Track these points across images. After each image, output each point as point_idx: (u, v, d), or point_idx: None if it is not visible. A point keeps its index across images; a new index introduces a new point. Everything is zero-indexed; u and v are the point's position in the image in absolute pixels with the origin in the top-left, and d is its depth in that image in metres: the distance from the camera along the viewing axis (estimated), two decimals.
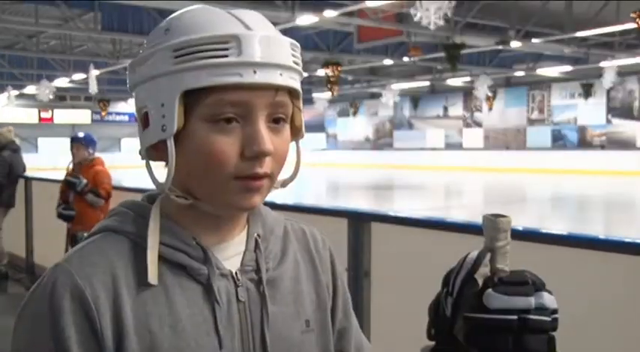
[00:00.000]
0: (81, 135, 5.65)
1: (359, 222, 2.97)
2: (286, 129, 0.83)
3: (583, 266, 2.15)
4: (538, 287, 0.73)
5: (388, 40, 17.59)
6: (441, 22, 11.89)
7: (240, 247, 0.87)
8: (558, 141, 29.05)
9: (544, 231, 2.28)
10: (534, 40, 16.97)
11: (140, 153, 0.85)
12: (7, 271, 7.33)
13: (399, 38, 17.26)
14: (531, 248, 2.20)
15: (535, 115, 29.98)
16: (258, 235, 0.89)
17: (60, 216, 5.54)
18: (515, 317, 0.70)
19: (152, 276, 0.79)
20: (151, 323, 0.78)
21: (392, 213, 3.55)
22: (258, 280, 0.86)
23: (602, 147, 27.13)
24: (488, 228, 0.75)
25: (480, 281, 0.73)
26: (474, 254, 0.75)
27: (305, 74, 0.85)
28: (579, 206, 15.24)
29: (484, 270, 0.74)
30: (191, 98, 0.77)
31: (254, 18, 0.81)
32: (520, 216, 12.61)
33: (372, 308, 2.88)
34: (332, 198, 17.27)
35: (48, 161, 19.40)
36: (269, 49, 0.78)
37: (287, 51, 0.80)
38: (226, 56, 0.76)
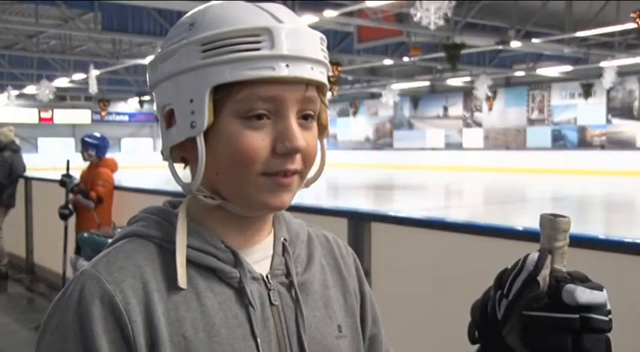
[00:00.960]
0: (86, 138, 5.64)
1: (359, 222, 2.97)
2: (315, 126, 0.81)
3: (583, 267, 2.14)
4: (600, 285, 0.71)
5: (388, 40, 17.59)
6: (441, 22, 11.89)
7: (267, 251, 0.85)
8: (558, 141, 29.06)
9: None
10: (534, 40, 16.98)
11: (162, 153, 0.81)
12: (7, 271, 7.33)
13: (399, 38, 17.26)
14: (531, 248, 2.20)
15: (535, 115, 29.99)
16: (285, 239, 0.87)
17: (60, 215, 5.57)
18: (577, 315, 0.68)
19: (181, 280, 0.76)
20: (185, 328, 0.75)
21: (392, 213, 3.55)
22: (289, 284, 0.84)
23: (602, 147, 27.13)
24: (547, 228, 0.73)
25: (541, 283, 0.71)
26: (535, 255, 0.72)
27: (330, 66, 0.85)
28: (579, 206, 15.23)
29: (545, 272, 0.72)
30: (220, 93, 0.75)
31: (282, 10, 0.79)
32: (520, 216, 12.60)
33: None
34: (332, 198, 17.28)
35: (48, 161, 19.42)
36: (300, 42, 0.76)
37: (317, 44, 0.79)
38: (259, 49, 0.74)
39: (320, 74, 0.78)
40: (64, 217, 5.53)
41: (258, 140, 0.75)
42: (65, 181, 5.45)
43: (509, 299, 0.71)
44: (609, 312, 0.70)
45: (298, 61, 0.75)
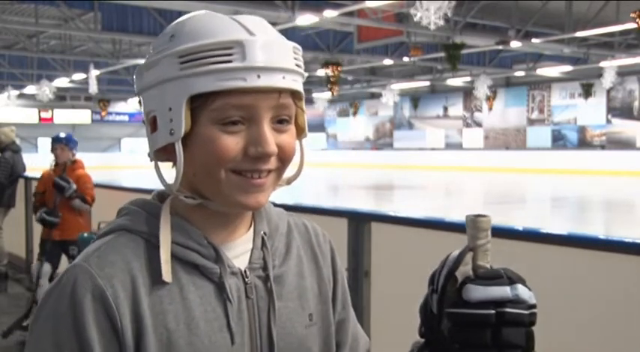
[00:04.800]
0: (63, 135, 5.36)
1: (359, 222, 2.97)
2: (291, 128, 0.85)
3: (583, 267, 2.15)
4: (514, 281, 0.75)
5: (388, 40, 17.59)
6: (441, 22, 11.90)
7: (247, 245, 0.90)
8: (558, 141, 29.05)
9: (544, 231, 2.28)
10: (534, 40, 16.98)
11: (149, 155, 0.87)
12: (7, 271, 7.32)
13: (399, 38, 17.26)
14: (531, 248, 2.20)
15: (535, 115, 29.98)
16: (265, 233, 0.91)
17: (42, 221, 5.19)
18: (492, 311, 0.72)
19: (166, 274, 0.81)
20: (167, 320, 0.80)
21: (392, 213, 3.55)
22: (266, 277, 0.89)
23: (602, 147, 27.13)
24: (470, 227, 0.78)
25: (459, 279, 0.76)
26: (456, 253, 0.78)
27: (305, 74, 0.87)
28: (579, 206, 15.24)
29: (467, 268, 0.76)
30: (198, 102, 0.80)
31: (256, 23, 0.83)
32: (520, 216, 12.60)
33: (372, 308, 2.88)
34: (332, 198, 17.28)
35: (48, 161, 19.30)
36: (271, 54, 0.80)
37: (289, 54, 0.83)
38: (230, 61, 0.79)
39: (293, 82, 0.83)
40: (52, 225, 5.15)
41: (232, 143, 0.80)
42: (64, 186, 5.06)
43: (437, 295, 0.77)
44: (532, 306, 0.75)
45: (269, 72, 0.80)
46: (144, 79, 0.85)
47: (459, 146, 32.38)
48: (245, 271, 0.87)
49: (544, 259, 2.18)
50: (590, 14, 15.50)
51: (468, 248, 0.77)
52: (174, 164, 0.85)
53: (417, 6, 11.83)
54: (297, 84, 0.84)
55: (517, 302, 0.74)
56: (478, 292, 0.73)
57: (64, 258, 5.27)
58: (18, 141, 7.55)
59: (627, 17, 14.27)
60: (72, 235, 5.11)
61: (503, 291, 0.73)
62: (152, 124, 0.84)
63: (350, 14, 14.77)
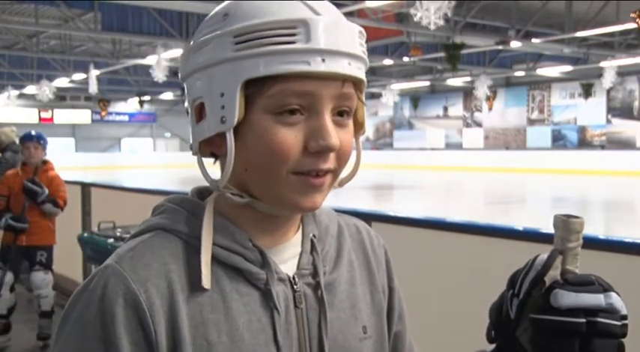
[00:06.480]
0: (34, 133, 4.99)
1: None
2: (350, 123, 0.78)
3: (583, 267, 2.14)
4: (606, 288, 0.70)
5: (388, 40, 17.59)
6: (441, 22, 11.90)
7: (295, 249, 0.82)
8: (558, 141, 29.06)
9: (544, 231, 2.28)
10: (534, 40, 16.98)
11: (191, 147, 0.78)
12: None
13: (399, 38, 17.27)
14: (531, 248, 2.20)
15: (535, 115, 29.99)
16: (314, 235, 0.84)
17: (9, 228, 4.79)
18: (583, 319, 0.68)
19: (206, 280, 0.73)
20: (208, 331, 0.72)
21: (392, 213, 3.55)
22: (316, 285, 0.81)
23: (602, 147, 27.13)
24: (560, 229, 0.72)
25: (548, 283, 0.71)
26: (544, 256, 0.72)
27: (368, 63, 0.84)
28: (579, 206, 15.23)
29: (555, 273, 0.71)
30: (252, 88, 0.72)
31: (320, 1, 0.75)
32: (520, 216, 12.59)
33: None
34: (332, 198, 17.27)
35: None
36: (338, 36, 0.73)
37: (355, 38, 0.76)
38: (293, 43, 0.70)
39: (357, 70, 0.76)
40: (21, 231, 4.77)
41: (291, 137, 0.72)
42: (37, 192, 4.71)
43: (519, 299, 0.72)
44: (624, 317, 0.70)
45: (335, 56, 0.72)
46: (190, 61, 0.76)
47: (459, 146, 32.39)
48: (293, 277, 0.79)
49: None
50: (590, 14, 15.51)
51: (557, 251, 0.72)
52: (217, 159, 0.78)
53: (417, 6, 11.84)
54: (361, 72, 0.77)
55: (610, 311, 0.69)
56: (569, 298, 0.68)
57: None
58: (18, 142, 7.55)
59: (627, 17, 14.28)
60: (40, 241, 4.85)
61: (597, 299, 0.68)
62: (198, 112, 0.75)
63: (350, 14, 14.77)
